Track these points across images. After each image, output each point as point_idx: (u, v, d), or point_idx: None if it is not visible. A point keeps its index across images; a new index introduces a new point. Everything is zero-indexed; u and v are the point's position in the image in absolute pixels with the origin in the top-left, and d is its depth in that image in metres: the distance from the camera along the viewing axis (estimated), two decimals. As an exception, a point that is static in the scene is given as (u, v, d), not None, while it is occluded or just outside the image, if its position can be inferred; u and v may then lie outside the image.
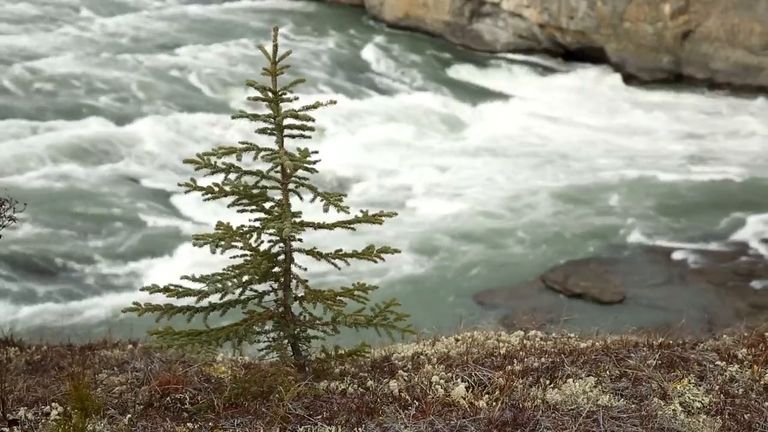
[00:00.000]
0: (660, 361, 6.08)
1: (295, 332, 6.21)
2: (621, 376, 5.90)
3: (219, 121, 34.49)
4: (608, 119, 39.09)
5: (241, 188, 6.05)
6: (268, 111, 6.06)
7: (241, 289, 6.08)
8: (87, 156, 30.71)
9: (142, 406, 5.63)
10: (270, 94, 6.04)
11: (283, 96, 6.05)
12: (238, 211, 6.14)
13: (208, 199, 6.08)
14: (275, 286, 6.22)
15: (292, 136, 6.11)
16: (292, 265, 6.20)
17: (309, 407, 5.50)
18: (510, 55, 46.53)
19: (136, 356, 7.18)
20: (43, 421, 5.35)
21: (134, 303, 5.94)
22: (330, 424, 5.23)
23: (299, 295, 6.23)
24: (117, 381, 6.26)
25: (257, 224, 6.08)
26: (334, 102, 6.15)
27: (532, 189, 30.64)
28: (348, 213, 5.90)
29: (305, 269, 6.23)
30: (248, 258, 6.10)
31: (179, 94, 37.40)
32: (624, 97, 42.06)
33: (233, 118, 6.13)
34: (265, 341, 6.17)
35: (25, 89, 35.79)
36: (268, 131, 6.07)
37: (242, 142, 5.96)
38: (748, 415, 5.35)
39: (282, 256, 6.18)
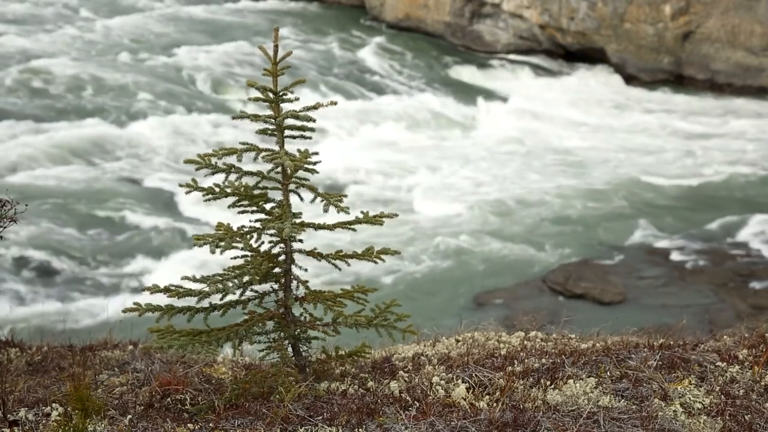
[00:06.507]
0: (661, 362, 6.08)
1: (296, 333, 6.20)
2: (622, 377, 5.90)
3: (219, 122, 34.50)
4: (608, 120, 39.10)
5: (242, 189, 6.05)
6: (268, 112, 6.06)
7: (241, 289, 6.08)
8: (87, 156, 30.71)
9: (142, 407, 5.64)
10: (271, 95, 6.03)
11: (284, 96, 6.04)
12: (239, 212, 6.14)
13: (209, 200, 6.08)
14: (276, 286, 6.22)
15: (293, 137, 6.10)
16: (293, 266, 6.19)
17: (309, 408, 5.51)
18: (510, 56, 46.54)
19: (136, 357, 7.17)
20: (43, 422, 5.35)
21: (135, 303, 5.93)
22: (330, 425, 5.22)
23: (300, 296, 6.23)
24: (117, 382, 6.26)
25: (258, 225, 6.07)
26: (335, 103, 6.14)
27: (533, 190, 30.64)
28: (348, 214, 5.89)
29: (306, 270, 6.23)
30: (249, 258, 6.09)
31: (179, 94, 37.40)
32: (624, 98, 42.08)
33: (234, 118, 6.12)
34: (265, 342, 6.16)
35: (25, 89, 35.80)
36: (269, 132, 6.07)
37: (243, 143, 5.96)
38: (749, 416, 5.35)
39: (282, 257, 6.17)
